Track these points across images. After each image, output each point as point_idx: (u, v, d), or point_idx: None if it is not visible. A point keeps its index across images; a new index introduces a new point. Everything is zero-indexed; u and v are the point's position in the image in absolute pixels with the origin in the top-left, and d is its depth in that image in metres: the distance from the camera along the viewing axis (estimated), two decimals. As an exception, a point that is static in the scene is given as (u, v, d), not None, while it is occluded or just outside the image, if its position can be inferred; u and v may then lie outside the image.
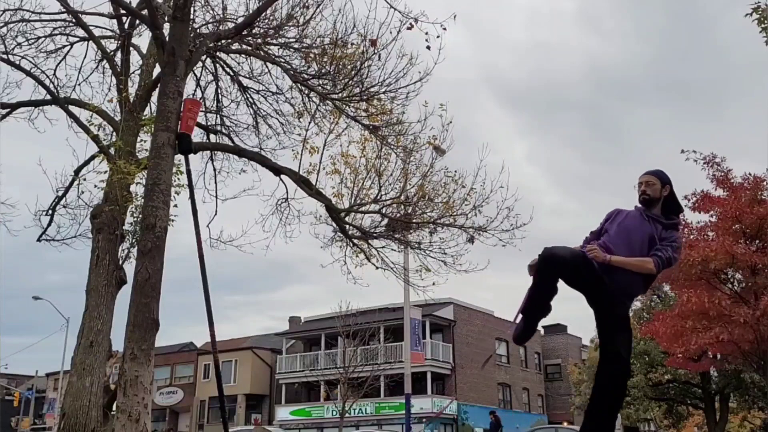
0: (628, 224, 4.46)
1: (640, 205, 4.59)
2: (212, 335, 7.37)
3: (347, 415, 32.59)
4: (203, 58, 10.36)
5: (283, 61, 10.12)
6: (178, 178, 9.76)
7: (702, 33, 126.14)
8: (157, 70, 10.92)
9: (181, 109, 7.84)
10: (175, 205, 9.62)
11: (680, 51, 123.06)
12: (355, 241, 10.83)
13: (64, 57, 12.52)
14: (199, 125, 12.16)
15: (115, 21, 12.22)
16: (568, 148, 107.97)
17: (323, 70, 9.95)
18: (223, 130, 12.06)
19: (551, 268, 4.26)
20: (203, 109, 11.95)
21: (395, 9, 9.19)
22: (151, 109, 11.49)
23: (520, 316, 4.51)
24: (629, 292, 4.52)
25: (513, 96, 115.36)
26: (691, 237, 19.46)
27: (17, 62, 11.93)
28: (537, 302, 4.37)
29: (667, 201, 4.57)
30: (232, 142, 11.89)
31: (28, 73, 12.07)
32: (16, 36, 11.86)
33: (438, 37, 9.14)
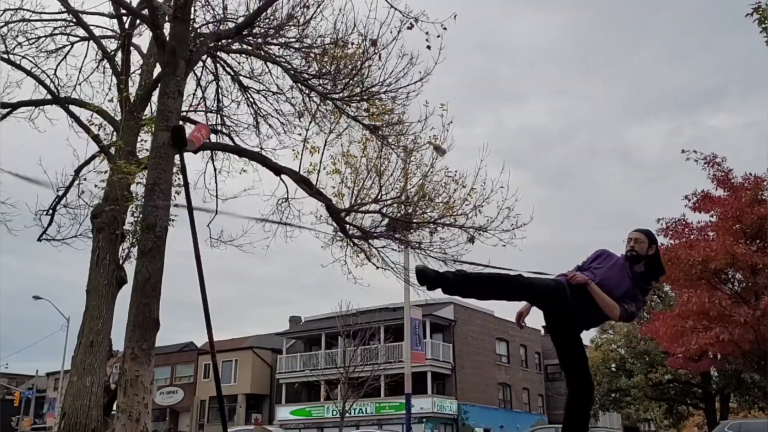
0: (613, 276, 4.69)
1: (625, 257, 4.84)
2: (210, 337, 7.36)
3: (347, 415, 32.60)
4: (204, 57, 10.35)
5: (283, 60, 10.12)
6: (178, 178, 9.76)
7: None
8: (157, 69, 10.92)
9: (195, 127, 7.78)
10: (176, 205, 9.61)
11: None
12: (356, 240, 10.83)
13: (65, 57, 12.54)
14: (200, 125, 12.14)
15: (115, 21, 12.24)
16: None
17: (324, 70, 9.95)
18: (224, 130, 12.06)
19: (521, 290, 4.57)
20: (203, 109, 11.96)
21: (395, 9, 9.19)
22: (151, 108, 11.49)
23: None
24: (586, 326, 4.93)
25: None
26: (692, 237, 19.47)
27: (18, 62, 11.95)
28: (490, 285, 4.56)
29: (651, 259, 4.79)
30: (233, 141, 11.88)
31: (29, 73, 12.08)
32: (17, 36, 11.89)
33: (438, 36, 9.15)
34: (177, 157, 8.15)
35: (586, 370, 4.76)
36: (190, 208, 7.62)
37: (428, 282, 4.41)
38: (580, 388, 4.69)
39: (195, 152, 8.59)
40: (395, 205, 10.57)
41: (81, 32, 12.34)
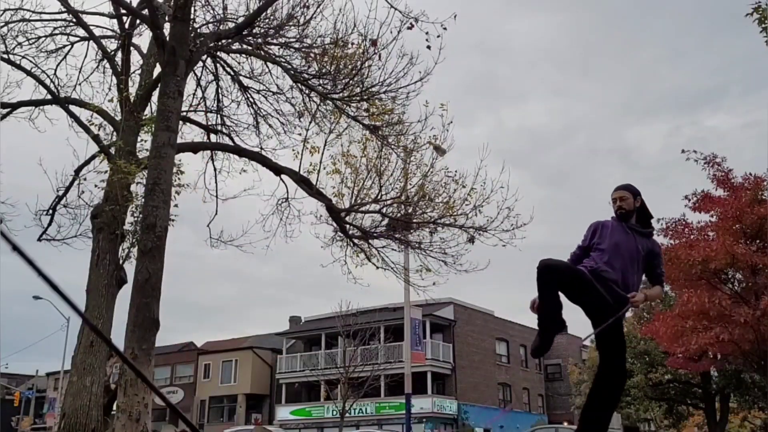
0: (617, 241, 4.80)
1: (616, 217, 4.97)
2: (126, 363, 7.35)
3: (347, 415, 32.60)
4: (204, 57, 10.35)
5: (283, 60, 10.12)
6: (179, 178, 9.77)
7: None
8: (157, 69, 10.92)
9: None
10: (176, 205, 9.62)
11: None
12: (356, 240, 10.83)
13: (65, 57, 12.53)
14: (200, 125, 12.17)
15: (115, 21, 12.23)
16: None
17: (324, 70, 9.95)
18: (224, 130, 12.07)
19: (549, 278, 4.50)
20: (203, 109, 11.96)
21: (396, 9, 9.19)
22: (151, 108, 11.49)
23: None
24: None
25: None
26: (692, 237, 19.46)
27: (18, 62, 11.94)
28: (546, 316, 4.56)
29: (640, 210, 4.98)
30: (233, 141, 11.89)
31: (29, 73, 12.07)
32: (17, 36, 11.89)
33: (438, 36, 9.15)
34: (178, 157, 8.17)
35: (622, 356, 4.74)
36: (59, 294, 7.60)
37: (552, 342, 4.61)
38: (615, 369, 4.69)
39: (195, 152, 8.60)
40: (395, 205, 10.57)
41: (81, 32, 12.34)
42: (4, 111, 12.10)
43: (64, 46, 12.52)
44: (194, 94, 11.71)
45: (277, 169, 10.10)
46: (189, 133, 12.02)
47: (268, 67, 10.82)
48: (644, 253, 4.82)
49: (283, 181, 10.39)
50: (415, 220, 10.53)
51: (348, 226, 10.68)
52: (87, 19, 12.02)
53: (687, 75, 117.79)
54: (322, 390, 39.71)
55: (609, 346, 4.74)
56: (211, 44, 9.35)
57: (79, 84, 12.57)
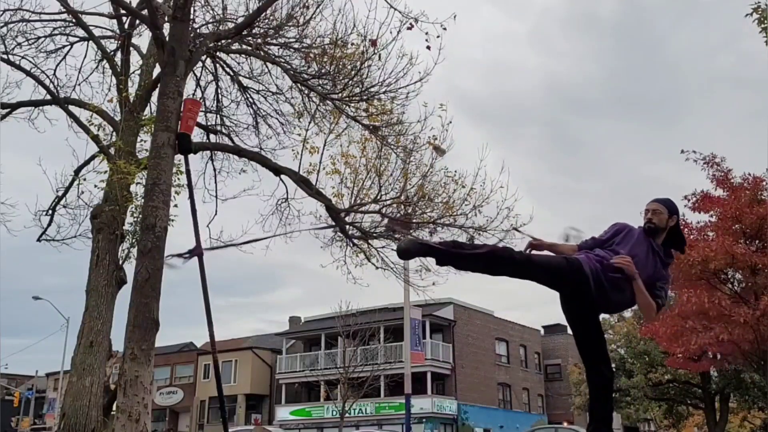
0: (637, 252, 4.24)
1: (643, 230, 4.39)
2: (211, 336, 7.36)
3: (347, 415, 32.60)
4: (203, 58, 10.36)
5: (283, 61, 10.12)
6: (178, 178, 9.77)
7: (651, 52, 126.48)
8: (157, 70, 10.92)
9: (181, 109, 7.83)
10: (175, 205, 9.61)
11: (633, 69, 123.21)
12: (355, 241, 10.83)
13: (64, 57, 12.53)
14: (199, 125, 12.16)
15: (115, 21, 12.23)
16: (533, 160, 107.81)
17: (323, 70, 9.95)
18: (223, 130, 12.07)
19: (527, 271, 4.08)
20: (203, 109, 11.94)
21: (395, 9, 9.19)
22: (151, 109, 11.50)
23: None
24: (611, 309, 4.47)
25: (477, 111, 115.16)
26: (691, 237, 19.47)
27: (17, 62, 11.93)
28: (482, 262, 4.00)
29: (673, 231, 4.38)
30: (232, 142, 11.89)
31: (28, 73, 12.07)
32: (16, 36, 11.87)
33: (438, 37, 9.15)
34: (178, 157, 8.16)
35: (605, 355, 4.33)
36: (194, 210, 7.63)
37: (413, 257, 4.14)
38: (599, 375, 4.28)
39: (195, 152, 8.61)
40: (395, 205, 10.58)
41: (80, 32, 12.33)
42: (4, 111, 12.10)
43: (64, 47, 12.51)
44: (194, 94, 11.71)
45: (277, 170, 10.09)
46: (188, 134, 12.01)
47: (267, 67, 10.83)
48: (656, 280, 4.27)
49: (282, 182, 10.39)
50: (414, 220, 10.53)
51: (348, 226, 10.68)
52: (86, 19, 12.01)
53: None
54: (321, 390, 39.72)
55: (588, 345, 4.28)
56: (211, 44, 9.34)
57: (79, 84, 12.58)
